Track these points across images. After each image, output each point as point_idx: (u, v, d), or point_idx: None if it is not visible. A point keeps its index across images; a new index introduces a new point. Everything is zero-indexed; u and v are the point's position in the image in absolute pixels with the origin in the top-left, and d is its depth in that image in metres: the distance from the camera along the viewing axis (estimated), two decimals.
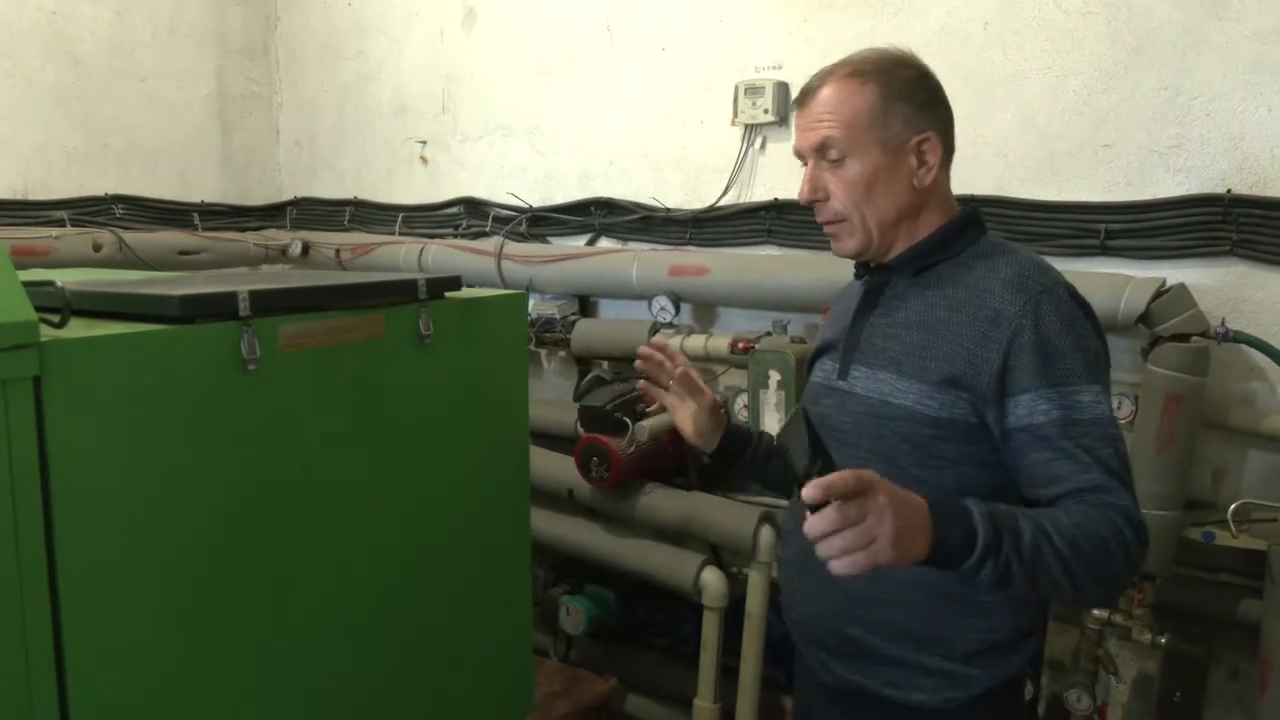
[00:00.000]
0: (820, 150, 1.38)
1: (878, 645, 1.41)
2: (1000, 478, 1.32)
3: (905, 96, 1.36)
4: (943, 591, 1.36)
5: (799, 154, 1.43)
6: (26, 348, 1.06)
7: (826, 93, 1.38)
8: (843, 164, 1.37)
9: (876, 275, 1.47)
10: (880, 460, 1.36)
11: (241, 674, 1.33)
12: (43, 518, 1.10)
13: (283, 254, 4.06)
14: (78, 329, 1.16)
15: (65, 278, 1.35)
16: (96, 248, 3.52)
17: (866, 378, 1.41)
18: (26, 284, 1.11)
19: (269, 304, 1.31)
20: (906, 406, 1.35)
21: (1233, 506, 2.15)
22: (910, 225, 1.41)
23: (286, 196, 4.31)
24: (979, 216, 1.46)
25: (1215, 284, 2.26)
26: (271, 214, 4.29)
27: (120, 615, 1.19)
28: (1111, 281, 2.23)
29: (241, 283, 1.37)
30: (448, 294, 1.60)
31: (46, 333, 1.10)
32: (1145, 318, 2.19)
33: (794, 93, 2.84)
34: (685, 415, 1.67)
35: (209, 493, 1.26)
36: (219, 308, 1.26)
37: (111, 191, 3.77)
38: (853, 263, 1.51)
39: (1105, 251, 2.38)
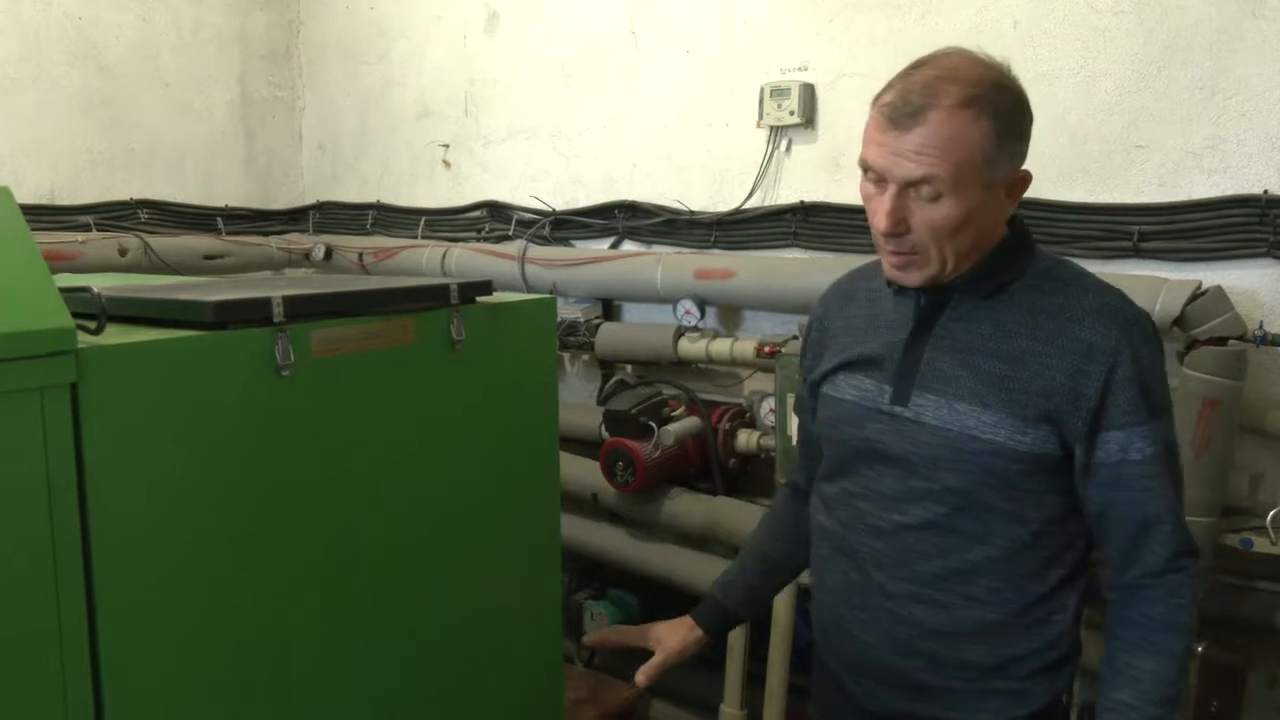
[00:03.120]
0: (914, 184, 1.24)
1: (941, 680, 1.37)
2: (1075, 501, 1.33)
3: (1013, 130, 1.25)
4: (1015, 623, 1.34)
5: (869, 169, 1.29)
6: (64, 354, 1.06)
7: (934, 124, 1.21)
8: (937, 202, 1.23)
9: (933, 294, 1.36)
10: (959, 495, 1.32)
11: (272, 678, 1.32)
12: (79, 523, 1.10)
13: (306, 258, 4.07)
14: (113, 335, 1.15)
15: (95, 283, 1.35)
16: (122, 252, 3.54)
17: (939, 408, 1.32)
18: (63, 290, 1.11)
19: (302, 309, 1.30)
20: (998, 442, 1.28)
21: (1271, 513, 2.11)
22: (978, 252, 1.32)
23: (309, 200, 4.32)
24: (1028, 229, 1.39)
25: (1252, 286, 2.23)
26: (294, 218, 4.31)
27: (156, 619, 1.19)
28: (1146, 284, 2.20)
29: (273, 288, 1.37)
30: (478, 299, 1.59)
31: (83, 339, 1.09)
32: (1181, 321, 2.16)
33: (820, 94, 2.83)
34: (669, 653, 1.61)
35: (243, 497, 1.26)
36: (253, 313, 1.25)
37: (136, 196, 3.80)
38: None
39: (1139, 254, 2.35)
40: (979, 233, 1.28)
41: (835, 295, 1.56)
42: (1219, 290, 2.17)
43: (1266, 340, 2.12)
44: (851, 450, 1.43)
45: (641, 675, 1.57)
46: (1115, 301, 1.30)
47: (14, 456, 1.04)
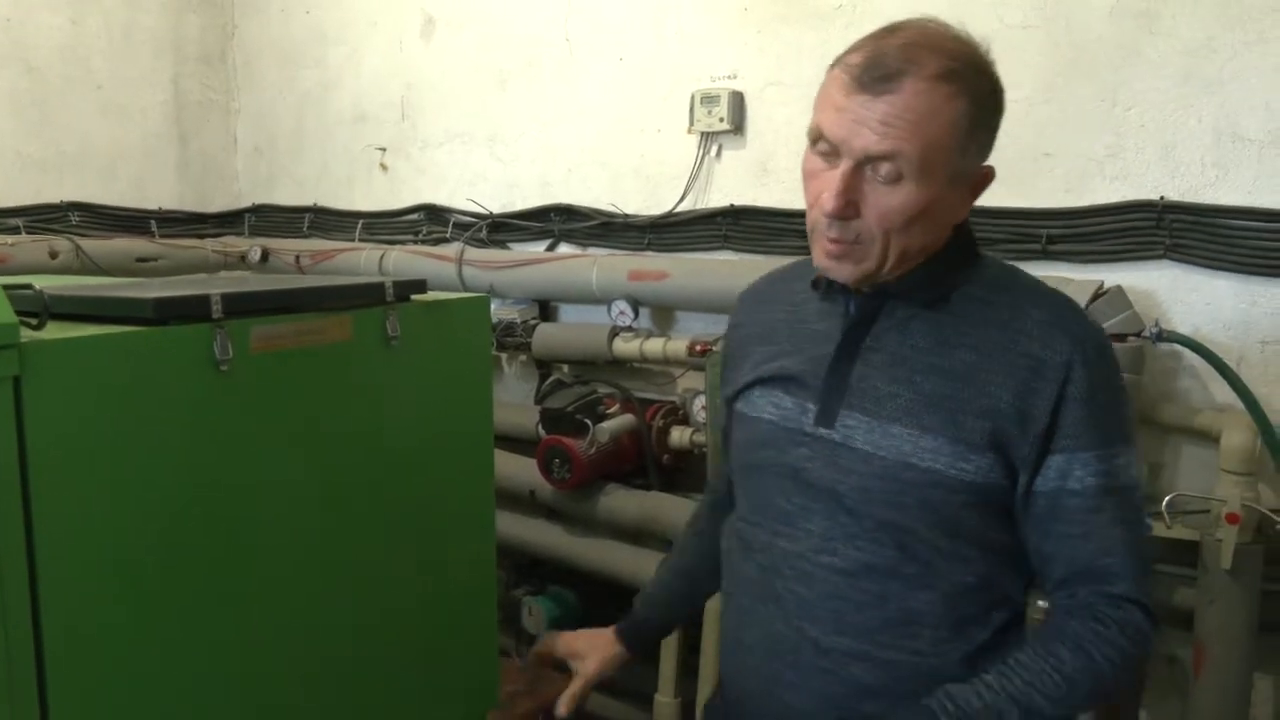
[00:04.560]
0: (873, 160, 1.08)
1: None
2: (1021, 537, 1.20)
3: (987, 120, 1.12)
4: (960, 674, 1.16)
5: (820, 138, 1.12)
6: (6, 349, 1.09)
7: (910, 93, 1.06)
8: (896, 185, 1.08)
9: (868, 301, 1.21)
10: (897, 533, 1.16)
11: (212, 669, 1.36)
12: (22, 514, 1.13)
13: (242, 260, 4.06)
14: (55, 331, 1.18)
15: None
16: (53, 255, 3.50)
17: (870, 430, 1.16)
18: (5, 287, 1.14)
19: (241, 306, 1.34)
20: (938, 470, 1.13)
21: (1167, 499, 2.22)
22: (923, 254, 1.18)
23: (245, 203, 4.31)
24: (973, 233, 1.25)
25: (1150, 286, 2.37)
26: (230, 221, 4.29)
27: (98, 612, 1.21)
28: (1053, 284, 2.32)
29: (212, 286, 1.41)
30: (414, 297, 1.64)
31: (25, 334, 1.13)
32: None
33: (748, 102, 2.92)
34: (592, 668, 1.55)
35: (183, 490, 1.29)
36: (192, 310, 1.29)
37: (67, 199, 3.76)
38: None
39: (1047, 255, 2.47)
40: (932, 231, 1.15)
41: (751, 299, 1.42)
42: (1119, 290, 2.30)
43: (1162, 337, 2.25)
44: (772, 479, 1.26)
45: (562, 706, 1.51)
46: (1067, 315, 1.17)
47: None
